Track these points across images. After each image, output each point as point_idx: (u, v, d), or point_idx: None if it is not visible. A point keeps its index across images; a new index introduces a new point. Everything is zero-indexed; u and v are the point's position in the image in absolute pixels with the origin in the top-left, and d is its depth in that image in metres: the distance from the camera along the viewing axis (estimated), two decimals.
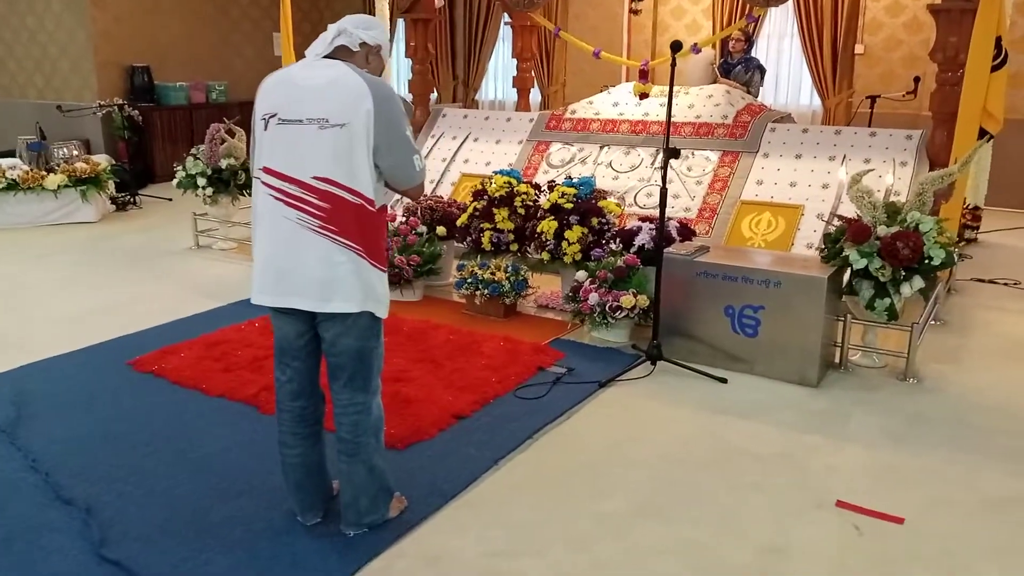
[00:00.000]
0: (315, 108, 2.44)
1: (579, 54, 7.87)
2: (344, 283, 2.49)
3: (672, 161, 5.85)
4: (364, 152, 2.45)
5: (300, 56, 2.68)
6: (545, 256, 4.97)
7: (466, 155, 6.85)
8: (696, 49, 6.69)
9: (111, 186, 7.97)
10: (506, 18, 9.88)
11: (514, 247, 5.14)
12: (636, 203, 5.93)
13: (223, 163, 6.30)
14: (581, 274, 4.66)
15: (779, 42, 9.42)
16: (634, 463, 3.27)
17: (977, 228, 6.76)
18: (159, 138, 9.78)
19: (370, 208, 2.50)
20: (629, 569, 2.62)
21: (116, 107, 8.81)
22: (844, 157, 5.58)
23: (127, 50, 9.71)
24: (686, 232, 4.92)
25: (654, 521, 2.87)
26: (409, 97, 7.51)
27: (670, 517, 2.89)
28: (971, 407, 3.82)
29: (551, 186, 5.21)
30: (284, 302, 2.55)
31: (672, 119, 6.19)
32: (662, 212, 4.19)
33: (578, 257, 4.83)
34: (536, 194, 5.25)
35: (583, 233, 4.84)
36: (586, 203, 4.95)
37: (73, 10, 9.39)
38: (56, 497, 2.95)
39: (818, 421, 3.64)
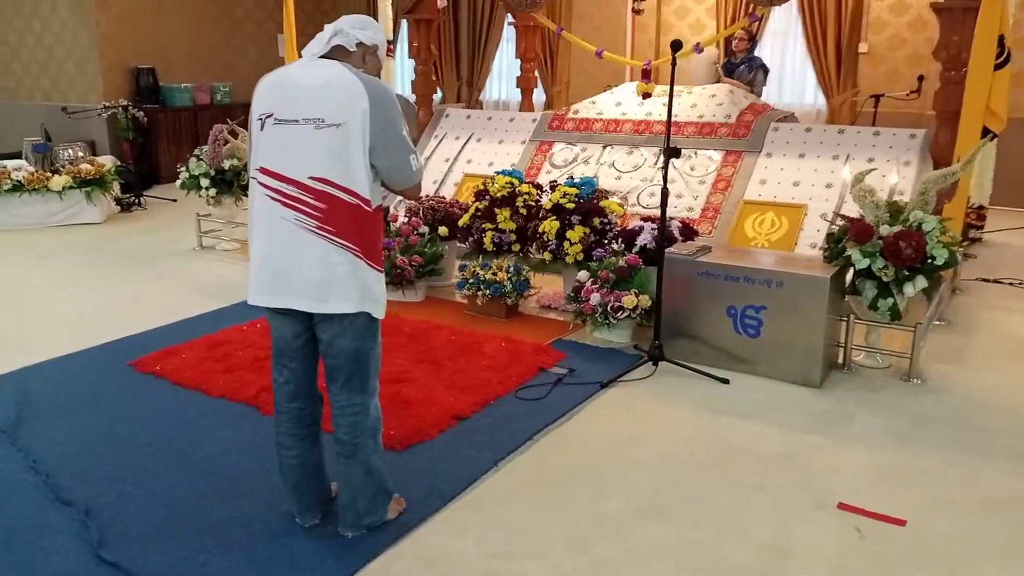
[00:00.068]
0: (311, 108, 2.44)
1: (583, 54, 7.86)
2: (341, 283, 2.49)
3: (675, 161, 5.85)
4: (360, 152, 2.45)
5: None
6: (547, 256, 4.96)
7: (469, 155, 6.84)
8: (698, 48, 6.67)
9: (116, 187, 7.99)
10: (510, 18, 9.86)
11: (516, 247, 5.14)
12: (639, 203, 5.91)
13: (226, 164, 6.31)
14: (583, 274, 4.65)
15: (783, 41, 9.38)
16: (635, 464, 3.26)
17: (982, 227, 6.73)
18: (164, 139, 9.80)
19: (367, 208, 2.50)
20: (630, 570, 2.60)
21: (121, 108, 8.84)
22: (848, 156, 5.55)
23: (132, 52, 9.73)
24: (688, 232, 4.91)
25: (655, 522, 2.86)
26: (412, 98, 7.51)
27: (671, 518, 2.88)
28: (975, 407, 3.79)
29: (553, 186, 5.20)
30: (281, 303, 2.55)
31: (675, 118, 6.21)
32: (663, 212, 4.18)
33: (580, 257, 4.82)
34: (538, 194, 5.24)
35: (585, 233, 4.83)
36: (588, 203, 4.94)
37: (78, 13, 9.42)
38: (56, 498, 2.95)
39: (821, 422, 3.62)
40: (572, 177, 5.31)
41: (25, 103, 10.09)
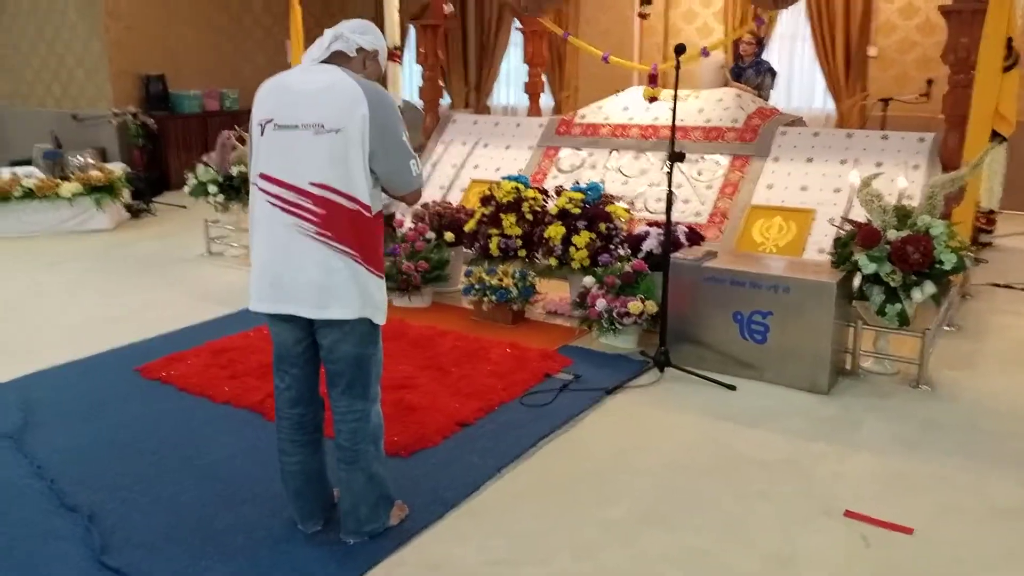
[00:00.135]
0: (310, 113, 2.44)
1: (591, 59, 7.84)
2: (341, 289, 2.48)
3: (682, 165, 5.85)
4: (360, 157, 2.44)
5: None
6: (553, 262, 4.95)
7: (476, 161, 6.83)
8: (705, 53, 6.64)
9: (126, 194, 8.03)
10: (517, 24, 9.86)
11: (522, 253, 5.12)
12: (646, 208, 5.88)
13: (233, 170, 6.34)
14: (588, 280, 4.64)
15: (791, 44, 9.35)
16: (640, 471, 3.24)
17: (992, 232, 6.67)
18: (174, 145, 9.84)
19: (367, 214, 2.49)
20: None
21: (130, 115, 8.88)
22: (856, 160, 5.51)
23: (142, 59, 9.79)
24: (694, 237, 4.89)
25: (659, 529, 2.84)
26: (420, 104, 7.53)
27: (675, 525, 2.86)
28: (985, 413, 3.75)
29: (559, 191, 5.19)
30: (281, 309, 2.55)
31: (682, 123, 6.21)
32: (668, 217, 4.16)
33: (586, 263, 4.80)
34: (544, 199, 5.23)
35: (591, 238, 4.82)
36: (594, 208, 4.92)
37: (88, 20, 9.49)
38: (60, 504, 2.96)
39: (827, 428, 3.60)
40: (578, 182, 5.30)
41: (36, 110, 10.17)
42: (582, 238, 4.81)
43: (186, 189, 6.58)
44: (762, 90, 7.64)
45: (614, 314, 4.39)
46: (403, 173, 2.56)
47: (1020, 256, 6.65)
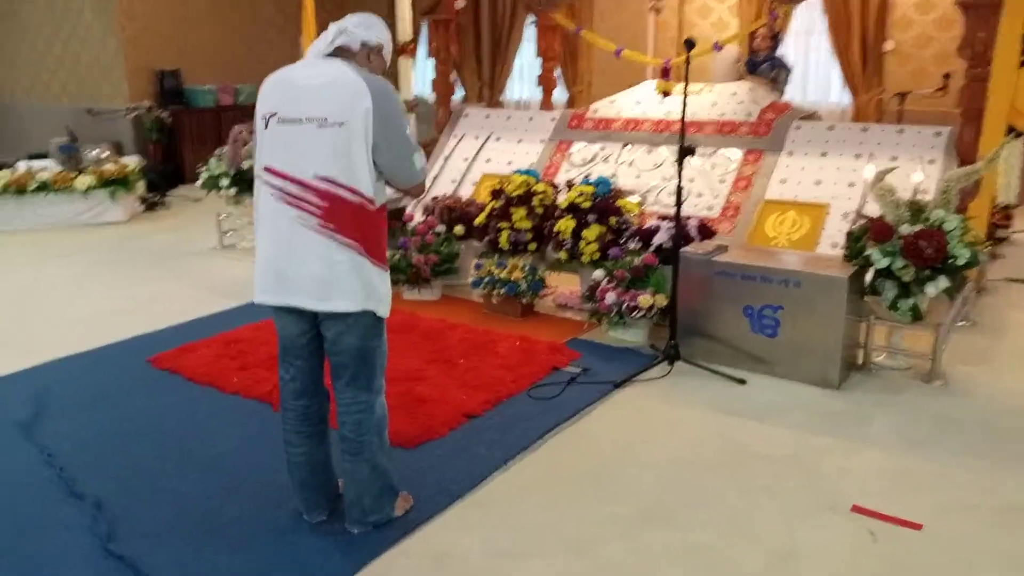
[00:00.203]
0: (314, 107, 2.44)
1: (605, 53, 7.82)
2: (344, 282, 2.48)
3: (695, 159, 5.82)
4: (363, 150, 2.44)
5: None
6: (563, 255, 4.93)
7: (488, 155, 6.81)
8: (718, 47, 6.60)
9: (140, 187, 8.09)
10: (531, 18, 9.85)
11: (532, 246, 5.11)
12: (658, 202, 5.84)
13: (245, 164, 6.35)
14: (598, 273, 4.62)
15: (807, 39, 9.29)
16: (646, 465, 3.22)
17: (1009, 227, 6.58)
18: (189, 139, 9.91)
19: (370, 207, 2.49)
20: (636, 573, 2.57)
21: (145, 110, 8.94)
22: (871, 155, 5.45)
23: (157, 55, 9.85)
24: (706, 231, 4.85)
25: (663, 524, 2.82)
26: (431, 98, 7.53)
27: (679, 520, 2.84)
28: (998, 410, 3.71)
29: (569, 185, 5.17)
30: (285, 301, 2.55)
31: (695, 117, 6.17)
32: (678, 210, 4.14)
33: (596, 256, 4.78)
34: (554, 193, 5.21)
35: (601, 232, 4.80)
36: (604, 202, 4.90)
37: (103, 19, 9.56)
38: (69, 493, 2.98)
39: (836, 423, 3.56)
40: (588, 176, 5.28)
41: (53, 106, 10.25)
42: (592, 232, 4.79)
43: (198, 183, 6.61)
44: (777, 84, 7.58)
45: (624, 308, 4.37)
46: (406, 166, 2.55)
47: None
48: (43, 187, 7.37)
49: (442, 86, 7.34)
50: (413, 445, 3.31)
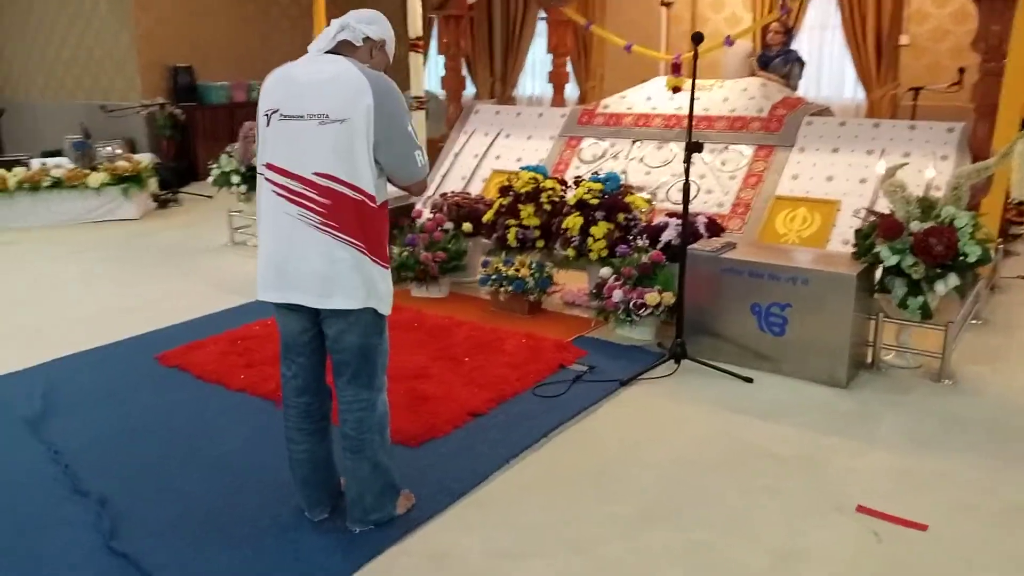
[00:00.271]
0: (315, 104, 2.43)
1: (617, 49, 7.77)
2: (345, 279, 2.48)
3: (705, 156, 5.79)
4: (364, 148, 2.43)
5: None
6: (571, 252, 4.91)
7: (498, 151, 6.80)
8: (729, 42, 6.55)
9: (153, 184, 8.13)
10: (543, 13, 9.81)
11: (540, 243, 5.09)
12: (668, 198, 5.82)
13: (256, 161, 6.37)
14: (606, 271, 4.60)
15: (821, 34, 9.20)
16: (650, 463, 3.21)
17: (1022, 224, 6.50)
18: (202, 136, 9.95)
19: (371, 204, 2.48)
20: (637, 573, 2.56)
21: (158, 106, 8.99)
22: (883, 151, 5.40)
23: (170, 51, 9.90)
24: (714, 228, 4.82)
25: (665, 524, 2.80)
26: (442, 95, 7.51)
27: (682, 520, 2.83)
28: (1008, 409, 3.66)
29: (577, 182, 5.15)
30: (287, 298, 2.55)
31: (706, 112, 6.14)
32: (685, 207, 4.11)
33: (604, 253, 4.76)
34: (562, 190, 5.20)
35: (609, 229, 4.77)
36: (612, 199, 4.88)
37: (117, 13, 9.61)
38: (74, 490, 2.99)
39: (844, 423, 3.53)
40: (597, 173, 5.25)
41: (68, 103, 10.33)
42: (600, 229, 4.77)
43: (210, 179, 6.64)
44: (789, 80, 7.52)
45: (631, 305, 4.35)
46: (408, 163, 2.54)
47: None
48: (56, 184, 7.43)
49: (452, 82, 7.33)
50: (417, 443, 3.31)
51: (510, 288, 4.81)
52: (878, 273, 4.03)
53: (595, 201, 4.86)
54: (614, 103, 6.67)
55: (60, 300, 5.39)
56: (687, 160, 4.04)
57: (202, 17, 10.18)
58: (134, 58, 9.62)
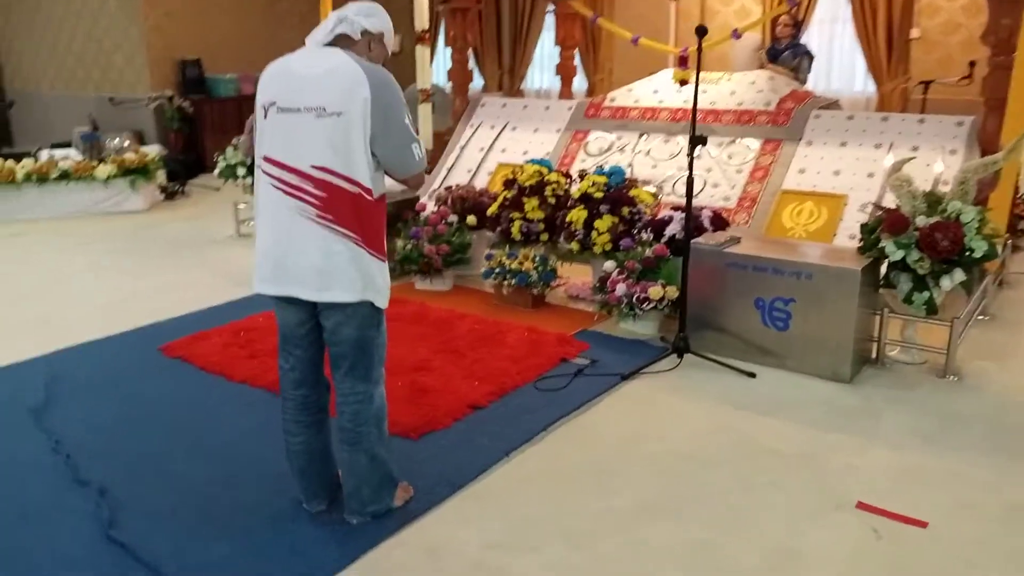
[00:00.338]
0: (312, 97, 2.43)
1: (625, 41, 7.73)
2: (342, 272, 2.48)
3: (712, 149, 5.76)
4: (361, 141, 2.42)
5: None
6: (575, 246, 4.90)
7: (504, 144, 6.79)
8: (736, 35, 6.51)
9: (160, 176, 8.16)
10: (551, 6, 9.77)
11: (544, 237, 5.08)
12: (675, 192, 5.79)
13: None
14: (609, 264, 4.58)
15: (831, 27, 9.12)
16: (649, 458, 3.19)
17: None
18: (210, 129, 9.96)
19: (368, 197, 2.48)
20: (632, 568, 2.55)
21: (166, 99, 9.01)
22: (891, 145, 5.36)
23: (178, 44, 9.92)
24: (719, 222, 4.80)
25: (663, 519, 2.79)
26: (448, 87, 7.50)
27: (680, 515, 2.81)
28: (1012, 406, 3.63)
29: (582, 175, 5.13)
30: (284, 291, 2.56)
31: (713, 106, 6.10)
32: (689, 201, 4.09)
33: (608, 247, 4.74)
34: (567, 183, 5.18)
35: (613, 223, 4.76)
36: (617, 192, 4.86)
37: (126, 7, 9.64)
38: (74, 480, 3.01)
39: (846, 419, 3.51)
40: (602, 166, 5.23)
41: (77, 95, 10.37)
42: (604, 222, 4.76)
43: (216, 171, 6.65)
44: (798, 73, 7.46)
45: (634, 299, 4.34)
46: (404, 156, 2.53)
47: None
48: (64, 176, 7.46)
49: (459, 75, 7.31)
50: (417, 436, 3.31)
51: (513, 281, 4.80)
52: (884, 268, 4.00)
53: (599, 195, 4.85)
54: (621, 96, 6.64)
55: (67, 291, 5.41)
56: (690, 154, 4.02)
57: (211, 10, 10.20)
58: (143, 51, 9.65)
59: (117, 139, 8.20)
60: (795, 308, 3.96)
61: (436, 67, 11.64)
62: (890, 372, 4.01)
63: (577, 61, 8.98)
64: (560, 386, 3.80)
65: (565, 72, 8.54)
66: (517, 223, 5.07)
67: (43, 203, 7.46)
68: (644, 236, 4.73)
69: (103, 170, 7.53)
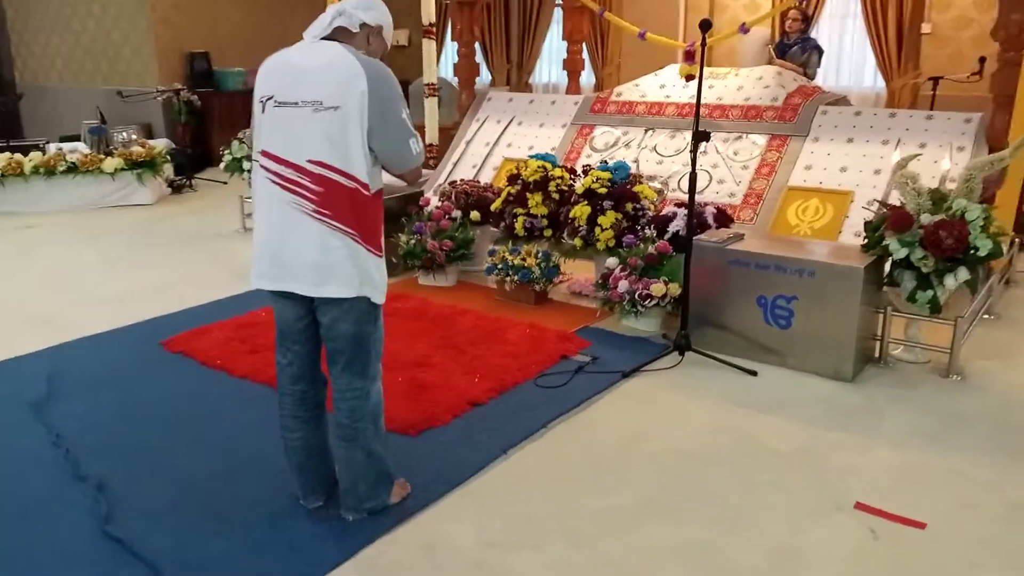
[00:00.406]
0: (310, 91, 2.42)
1: (634, 36, 7.69)
2: (339, 268, 2.47)
3: (718, 145, 5.73)
4: (358, 135, 2.42)
5: None
6: (578, 242, 4.88)
7: (510, 139, 6.77)
8: (744, 29, 6.46)
9: (167, 169, 8.17)
10: (558, 0, 9.74)
11: (548, 232, 5.07)
12: (680, 188, 5.76)
13: None
14: (612, 261, 4.57)
15: (841, 23, 9.05)
16: (649, 456, 3.18)
17: None
18: (218, 122, 9.98)
19: (365, 192, 2.47)
20: (629, 567, 2.54)
21: (174, 92, 9.02)
22: (898, 141, 5.32)
23: (187, 37, 9.94)
24: (723, 218, 4.77)
25: (662, 518, 2.78)
26: (454, 81, 7.48)
27: (679, 514, 2.80)
28: (1014, 406, 3.60)
29: (586, 170, 5.11)
30: (281, 286, 2.55)
31: (720, 101, 6.07)
32: (691, 198, 4.06)
33: (611, 243, 4.72)
34: (571, 178, 5.16)
35: (616, 219, 4.73)
36: (620, 188, 4.84)
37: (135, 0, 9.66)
38: (73, 475, 3.01)
39: (848, 417, 3.49)
40: (605, 162, 5.21)
41: (86, 88, 10.40)
42: (608, 218, 4.74)
43: (222, 165, 6.66)
44: (807, 68, 7.40)
45: (636, 296, 4.32)
46: (402, 150, 2.52)
47: None
48: (72, 169, 7.49)
49: (465, 69, 7.30)
50: (415, 432, 3.31)
51: (516, 277, 4.79)
52: (887, 266, 3.97)
53: (603, 190, 4.82)
54: (627, 91, 6.61)
55: (73, 284, 5.43)
56: (693, 149, 3.99)
57: (219, 3, 10.20)
58: (151, 44, 9.67)
59: (125, 132, 8.22)
60: (797, 306, 3.94)
61: (443, 61, 11.64)
62: (893, 371, 3.98)
63: (585, 55, 8.93)
64: (561, 383, 3.79)
65: (572, 66, 8.50)
66: (521, 219, 5.05)
67: (51, 196, 7.50)
68: (647, 232, 4.71)
69: (110, 163, 7.56)
